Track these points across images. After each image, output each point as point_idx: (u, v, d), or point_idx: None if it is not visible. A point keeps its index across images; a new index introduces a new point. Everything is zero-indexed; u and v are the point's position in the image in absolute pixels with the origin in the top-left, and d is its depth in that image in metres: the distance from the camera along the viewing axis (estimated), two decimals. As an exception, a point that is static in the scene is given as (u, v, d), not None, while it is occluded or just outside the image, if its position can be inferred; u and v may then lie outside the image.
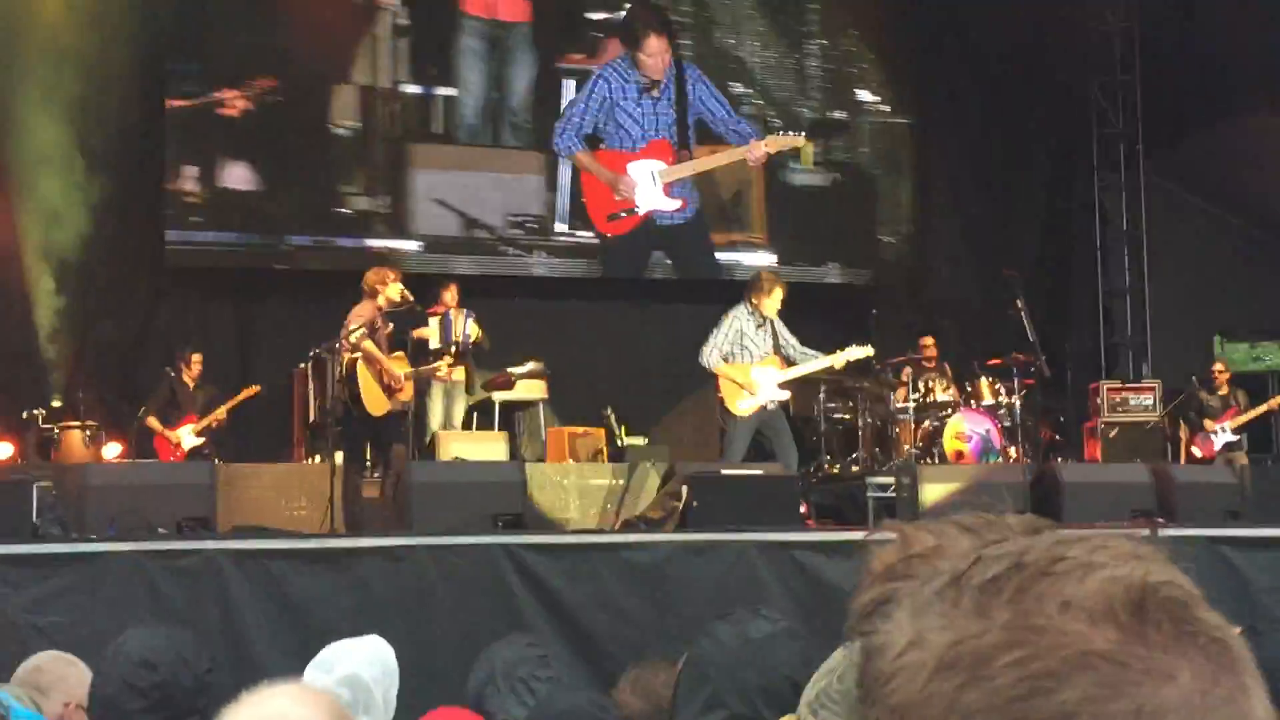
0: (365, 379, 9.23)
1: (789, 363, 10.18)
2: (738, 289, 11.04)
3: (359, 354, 9.30)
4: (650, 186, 13.25)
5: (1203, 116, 14.68)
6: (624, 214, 13.31)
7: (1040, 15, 14.10)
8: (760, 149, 13.08)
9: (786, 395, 10.24)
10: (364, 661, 3.83)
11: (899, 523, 0.85)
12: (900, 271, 14.43)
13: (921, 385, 11.63)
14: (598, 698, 2.96)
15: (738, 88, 14.17)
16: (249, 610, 6.75)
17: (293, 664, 3.89)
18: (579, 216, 13.57)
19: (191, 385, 11.29)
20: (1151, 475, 8.65)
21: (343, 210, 13.09)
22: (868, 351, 10.65)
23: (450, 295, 10.93)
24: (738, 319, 10.08)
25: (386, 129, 13.27)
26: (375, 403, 9.49)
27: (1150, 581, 0.75)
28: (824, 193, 14.23)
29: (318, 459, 10.94)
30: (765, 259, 13.73)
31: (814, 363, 10.25)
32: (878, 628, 0.78)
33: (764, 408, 10.00)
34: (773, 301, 10.08)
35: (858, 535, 7.89)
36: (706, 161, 13.24)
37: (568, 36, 13.88)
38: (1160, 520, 8.21)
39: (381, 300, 9.79)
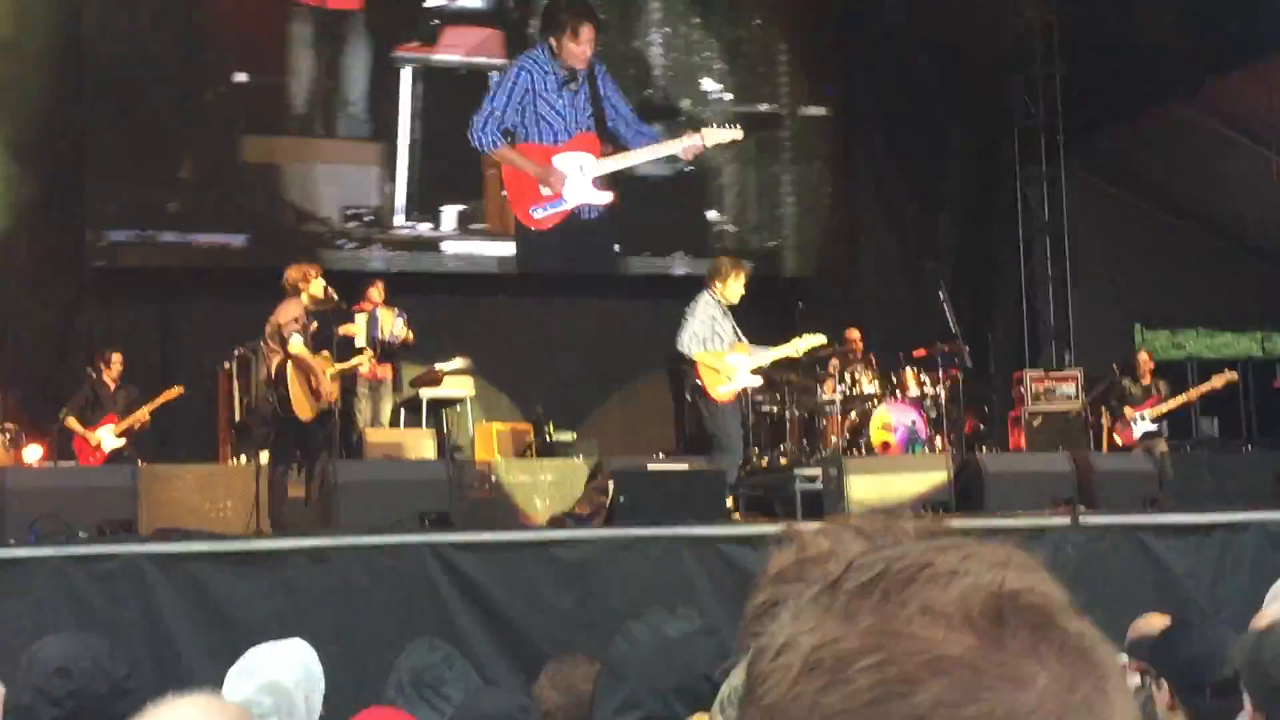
0: (294, 383, 9.15)
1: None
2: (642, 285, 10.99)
3: (287, 357, 9.19)
4: (579, 179, 13.18)
5: (1122, 108, 14.87)
6: (549, 207, 13.23)
7: (962, 8, 14.24)
8: (697, 142, 13.03)
9: (759, 381, 10.29)
10: (285, 667, 3.81)
11: (798, 526, 0.87)
12: (826, 264, 14.51)
13: (848, 377, 11.69)
14: (518, 699, 2.96)
15: (654, 82, 14.19)
16: (173, 614, 6.68)
17: (218, 668, 3.85)
18: (419, 208, 13.27)
19: (112, 385, 11.15)
20: (1073, 464, 8.76)
21: (167, 205, 12.58)
22: (821, 339, 10.66)
23: (376, 292, 10.89)
24: (708, 305, 10.02)
25: (215, 119, 12.76)
26: (303, 407, 9.42)
27: (1010, 589, 0.76)
28: (669, 183, 14.00)
29: (243, 459, 10.85)
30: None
31: (776, 350, 10.19)
32: (765, 629, 0.80)
33: (743, 392, 10.02)
34: (736, 286, 10.04)
35: (781, 527, 7.94)
36: (639, 155, 13.16)
37: (403, 24, 13.53)
38: (1081, 508, 8.32)
39: (305, 298, 9.69)
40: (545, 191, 13.12)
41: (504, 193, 13.35)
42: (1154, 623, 5.02)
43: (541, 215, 13.13)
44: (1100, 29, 14.28)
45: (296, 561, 6.94)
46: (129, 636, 6.48)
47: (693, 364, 9.80)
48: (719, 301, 10.03)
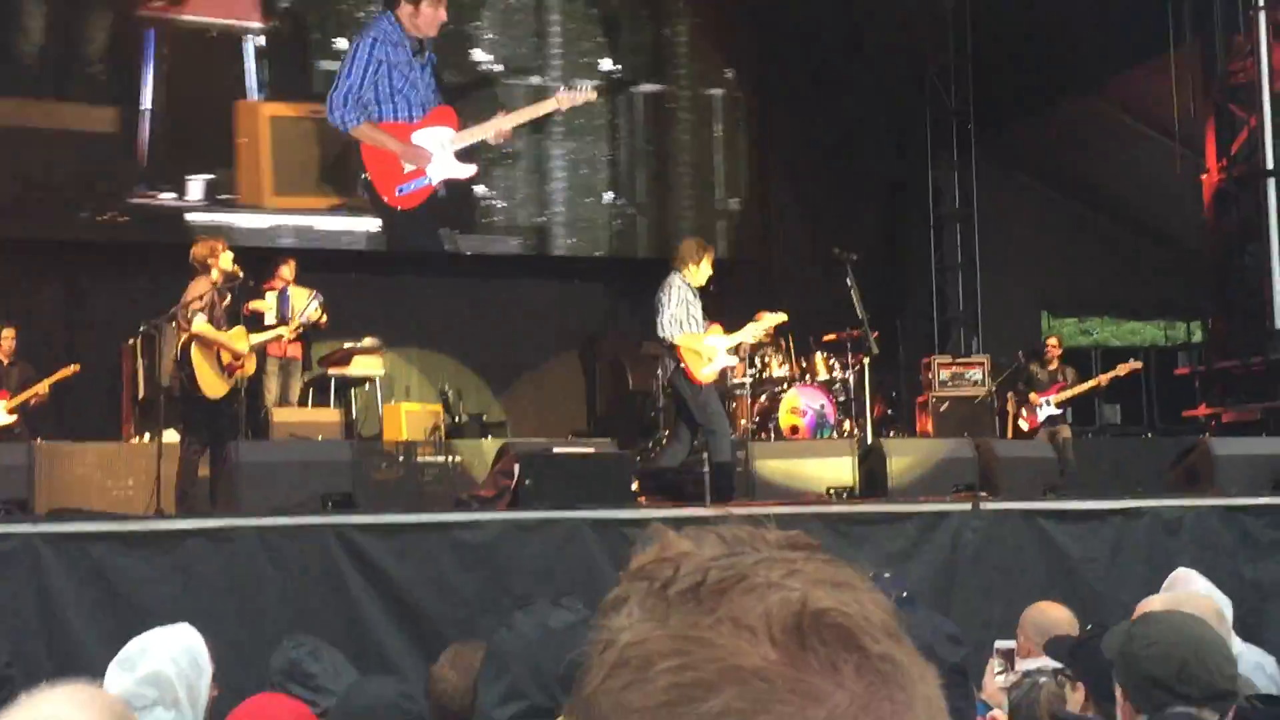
0: (200, 362, 9.04)
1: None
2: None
3: (194, 336, 9.08)
4: (441, 154, 12.98)
5: (1033, 99, 15.07)
6: (414, 185, 13.04)
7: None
8: (552, 107, 12.94)
9: (736, 361, 10.23)
10: (169, 656, 3.77)
11: (662, 526, 0.88)
12: (739, 247, 14.56)
13: (758, 361, 11.75)
14: (402, 686, 2.95)
15: (524, 49, 14.00)
16: (68, 597, 6.57)
17: (114, 652, 3.81)
18: (163, 177, 12.61)
19: (5, 361, 10.93)
20: (975, 450, 8.87)
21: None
22: (781, 317, 10.66)
23: (288, 270, 10.79)
24: (680, 288, 9.82)
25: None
26: (211, 386, 9.32)
27: (817, 607, 0.77)
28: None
29: (146, 438, 10.70)
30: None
31: (745, 331, 10.10)
32: (608, 624, 0.81)
33: (723, 373, 9.98)
34: (705, 268, 9.85)
35: (687, 512, 7.97)
36: (500, 122, 13.01)
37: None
38: (982, 494, 8.43)
39: (215, 274, 9.58)
40: (408, 169, 12.93)
41: (365, 175, 13.04)
42: (1048, 611, 5.11)
43: (406, 193, 12.96)
44: (1012, 21, 14.44)
45: (195, 543, 6.85)
46: (22, 620, 6.38)
47: (673, 348, 9.74)
48: (689, 284, 9.93)
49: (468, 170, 13.10)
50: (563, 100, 12.51)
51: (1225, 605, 4.45)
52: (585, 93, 12.65)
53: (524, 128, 13.38)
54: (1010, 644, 4.73)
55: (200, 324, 9.02)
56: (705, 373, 9.67)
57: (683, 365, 9.72)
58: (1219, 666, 2.71)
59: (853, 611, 0.78)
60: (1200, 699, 2.69)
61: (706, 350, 9.70)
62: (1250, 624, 6.48)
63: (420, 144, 12.87)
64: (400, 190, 12.89)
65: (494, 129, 12.91)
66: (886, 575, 5.60)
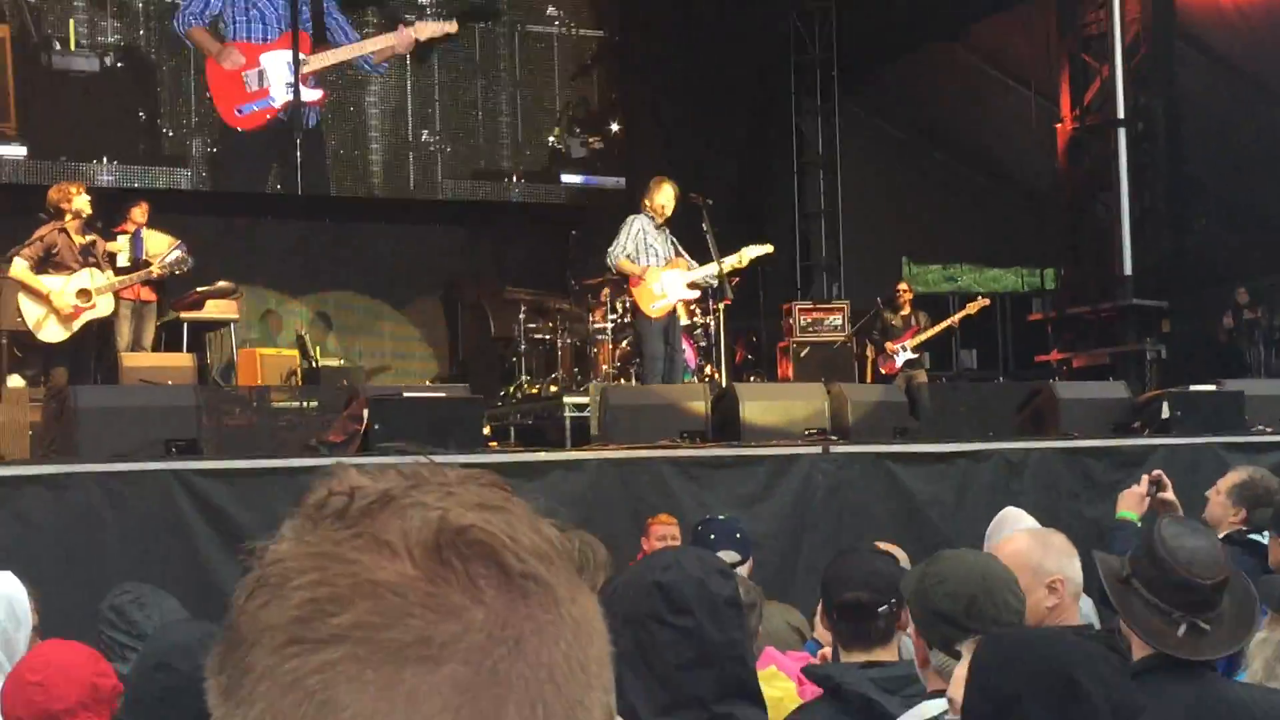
0: (30, 306, 8.83)
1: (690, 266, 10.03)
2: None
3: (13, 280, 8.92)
4: (288, 78, 12.68)
5: (895, 46, 15.20)
6: (255, 106, 12.77)
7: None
8: (409, 35, 12.79)
9: (695, 295, 10.18)
10: (-15, 609, 3.69)
11: (345, 463, 0.86)
12: (604, 192, 14.54)
13: (619, 306, 11.76)
14: (205, 627, 2.92)
15: None
16: (-105, 545, 6.39)
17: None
18: None
19: None
20: (827, 394, 8.98)
21: None
22: (768, 249, 10.65)
23: (140, 213, 10.50)
24: (638, 220, 9.95)
25: None
26: (48, 330, 9.11)
27: (457, 524, 0.76)
28: (95, 80, 12.71)
29: (-9, 384, 10.42)
30: (16, 151, 12.33)
31: (715, 264, 10.02)
32: (263, 551, 0.80)
33: (673, 310, 9.93)
34: (663, 197, 9.92)
35: (541, 455, 7.97)
36: (350, 50, 12.78)
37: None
38: (833, 437, 8.54)
39: (69, 218, 9.46)
40: (251, 90, 12.66)
41: (208, 94, 12.77)
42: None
43: (246, 114, 12.68)
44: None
45: (33, 490, 6.70)
46: None
47: (625, 279, 9.81)
48: (651, 218, 9.91)
49: (314, 94, 12.79)
50: (421, 29, 12.34)
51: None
52: (447, 23, 12.51)
53: (388, 62, 13.18)
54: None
55: (17, 269, 8.88)
56: (654, 307, 9.77)
57: (631, 298, 9.86)
58: (1006, 601, 2.78)
59: (496, 530, 0.77)
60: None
61: (659, 285, 9.76)
62: (1088, 563, 6.67)
63: (266, 65, 12.62)
64: (239, 110, 12.61)
65: (336, 58, 12.68)
66: (721, 517, 5.67)
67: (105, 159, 12.57)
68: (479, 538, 0.77)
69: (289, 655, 0.74)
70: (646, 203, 10.03)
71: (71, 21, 12.46)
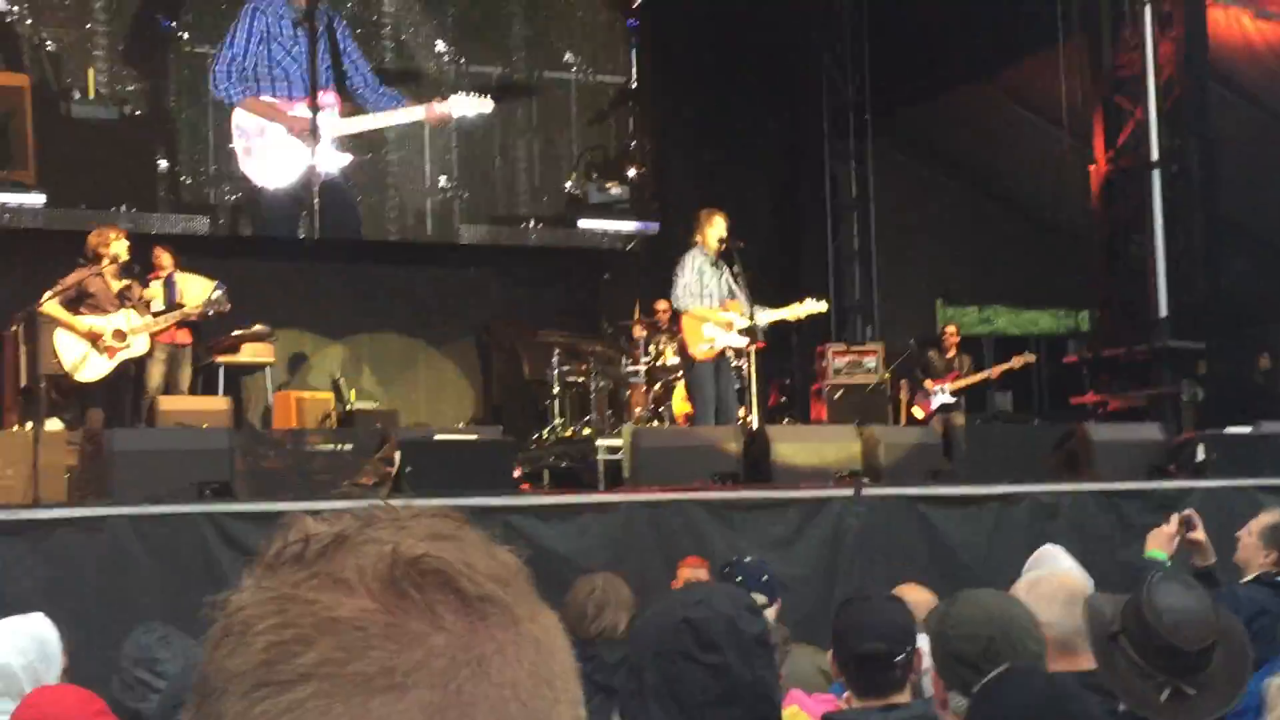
0: (64, 344, 8.94)
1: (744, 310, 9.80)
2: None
3: (47, 317, 9.07)
4: (321, 138, 12.80)
5: (928, 88, 15.21)
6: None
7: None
8: (443, 113, 12.90)
9: (745, 342, 9.90)
10: (16, 648, 3.73)
11: (300, 514, 0.88)
12: (635, 234, 14.58)
13: (652, 349, 11.79)
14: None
15: (439, 44, 13.89)
16: (-67, 586, 6.46)
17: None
18: None
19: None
20: (859, 436, 8.96)
21: None
22: (822, 307, 10.60)
23: (167, 257, 10.62)
24: (695, 258, 9.78)
25: None
26: (86, 369, 9.20)
27: (409, 555, 0.79)
28: (113, 128, 12.77)
29: (29, 426, 10.51)
30: (34, 200, 12.43)
31: (773, 313, 9.99)
32: (226, 603, 0.82)
33: (723, 354, 9.81)
34: (714, 230, 9.76)
35: (573, 498, 7.98)
36: (383, 118, 12.89)
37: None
38: (865, 480, 8.52)
39: (106, 263, 9.63)
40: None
41: (230, 144, 12.89)
42: (908, 593, 5.16)
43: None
44: (907, 9, 14.58)
45: (66, 532, 6.76)
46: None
47: (677, 319, 9.74)
48: (706, 255, 9.79)
49: (342, 159, 12.93)
50: (456, 105, 12.49)
51: (1088, 582, 4.53)
52: (482, 101, 12.63)
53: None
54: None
55: (50, 306, 9.03)
56: (701, 349, 9.71)
57: (680, 339, 9.80)
58: (1024, 645, 2.76)
59: (449, 557, 0.80)
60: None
61: (712, 326, 9.68)
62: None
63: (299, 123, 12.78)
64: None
65: (375, 123, 12.81)
66: (748, 559, 5.65)
67: (124, 206, 12.67)
68: (433, 565, 0.79)
69: (258, 699, 0.75)
70: (699, 239, 9.91)
71: (90, 71, 12.61)
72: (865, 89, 15.25)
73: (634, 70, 14.72)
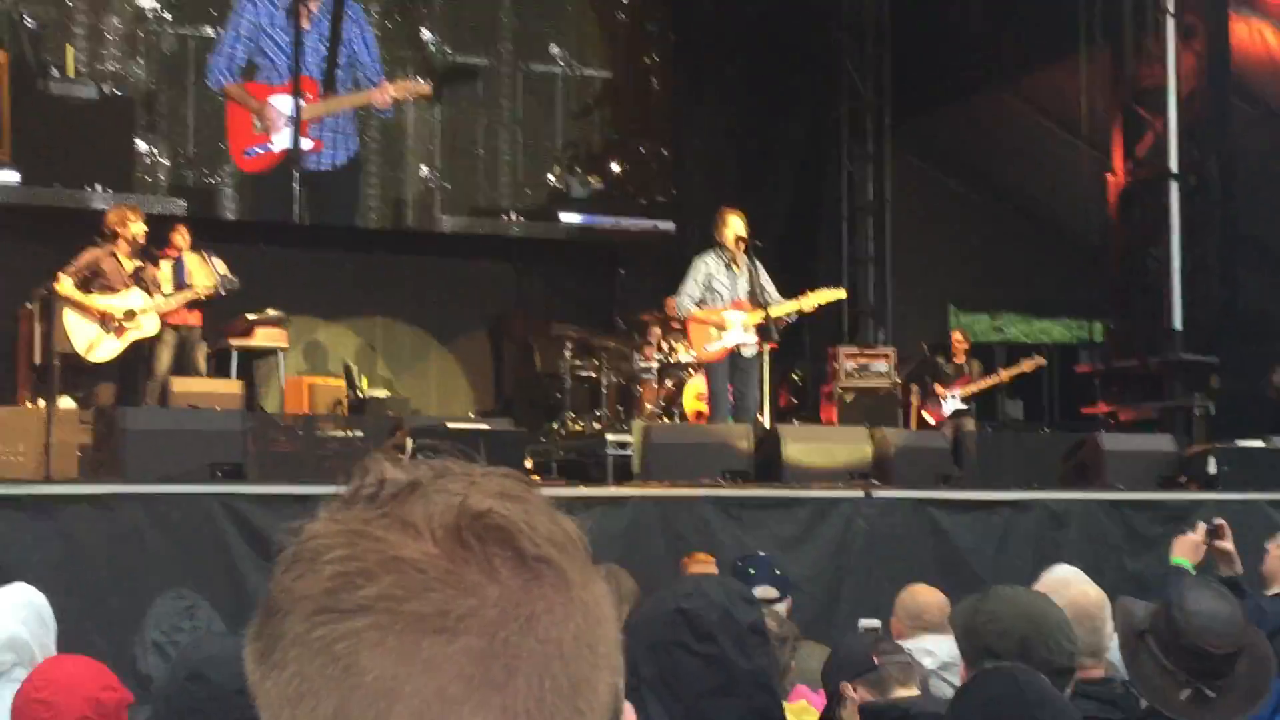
0: (75, 324, 8.98)
1: (760, 307, 9.58)
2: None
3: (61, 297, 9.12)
4: (288, 124, 12.88)
5: (947, 94, 15.20)
6: (259, 149, 12.91)
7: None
8: (388, 92, 13.02)
9: (754, 339, 9.67)
10: (19, 619, 3.74)
11: (379, 455, 0.92)
12: (649, 232, 14.58)
13: (665, 345, 11.78)
14: (241, 642, 2.92)
15: (425, 32, 13.93)
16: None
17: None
18: None
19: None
20: (870, 438, 8.96)
21: None
22: (840, 293, 10.52)
23: (180, 238, 10.61)
24: (704, 261, 9.72)
25: None
26: (99, 350, 9.22)
27: (474, 508, 0.83)
28: (92, 108, 12.71)
29: (41, 403, 10.54)
30: (9, 176, 12.28)
31: (782, 306, 9.83)
32: (299, 531, 0.86)
33: (736, 351, 9.69)
34: (730, 230, 9.63)
35: (582, 491, 7.98)
36: (335, 103, 12.98)
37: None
38: (875, 482, 8.51)
39: (121, 242, 9.67)
40: (257, 131, 12.83)
41: (226, 133, 12.99)
42: (919, 595, 5.17)
43: (251, 157, 12.87)
44: (929, 14, 14.57)
45: (78, 509, 6.78)
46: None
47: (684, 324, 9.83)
48: (720, 255, 9.71)
49: (306, 144, 13.00)
50: (397, 89, 12.63)
51: (1104, 602, 4.52)
52: (419, 84, 12.78)
53: (432, 101, 13.37)
54: (874, 622, 4.77)
55: (64, 285, 9.06)
56: (708, 349, 9.68)
57: (687, 341, 9.81)
58: (1059, 643, 2.76)
59: (514, 516, 0.84)
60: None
61: (720, 326, 9.62)
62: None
63: (274, 108, 12.85)
64: (246, 153, 12.82)
65: (325, 109, 12.90)
66: (761, 554, 5.66)
67: (99, 186, 12.64)
68: (497, 522, 0.83)
69: (319, 623, 0.81)
70: (716, 238, 9.89)
71: (70, 49, 12.59)
72: (886, 93, 15.24)
73: (621, 66, 14.69)
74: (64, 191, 12.42)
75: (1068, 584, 4.61)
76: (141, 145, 12.96)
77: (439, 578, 0.80)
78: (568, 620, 0.83)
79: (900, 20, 14.99)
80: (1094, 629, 3.41)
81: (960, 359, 13.28)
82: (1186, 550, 4.91)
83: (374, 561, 0.81)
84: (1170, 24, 13.09)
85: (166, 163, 13.05)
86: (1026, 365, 13.25)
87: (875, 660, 3.30)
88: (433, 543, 0.81)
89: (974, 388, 13.13)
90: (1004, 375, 13.30)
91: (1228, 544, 4.93)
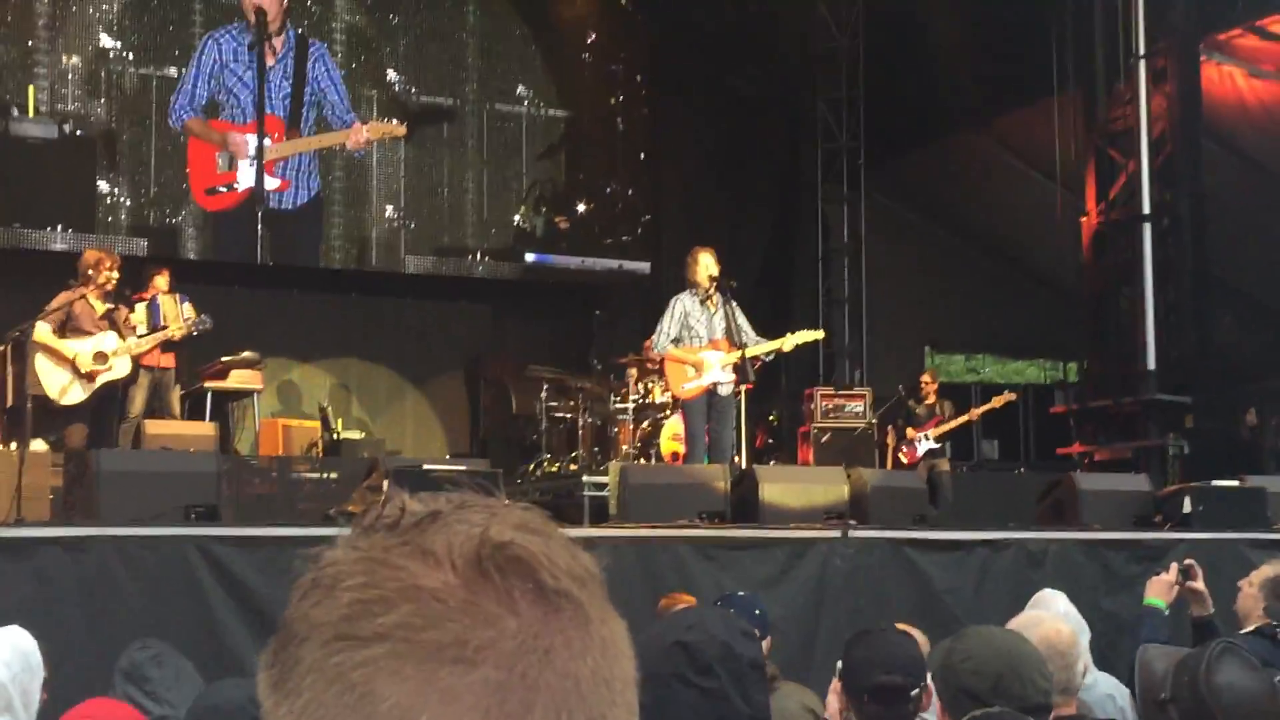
0: (46, 369, 8.96)
1: (737, 347, 9.64)
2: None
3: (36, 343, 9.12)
4: (253, 163, 12.90)
5: (922, 133, 15.31)
6: (223, 189, 12.95)
7: (772, 30, 14.50)
8: (362, 134, 13.08)
9: (730, 379, 9.70)
10: (2, 661, 3.70)
11: (401, 490, 0.91)
12: (625, 272, 14.61)
13: (641, 387, 11.79)
14: (251, 690, 2.90)
15: (390, 73, 14.05)
16: (-88, 602, 6.40)
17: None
18: None
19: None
20: (847, 479, 8.95)
21: None
22: (818, 334, 10.52)
23: (162, 280, 10.60)
24: (680, 301, 9.75)
25: None
26: (70, 394, 9.19)
27: (495, 539, 0.82)
28: (52, 147, 12.73)
29: (14, 445, 10.47)
30: None
31: (761, 346, 9.86)
32: (318, 558, 0.86)
33: (713, 391, 9.69)
34: (702, 269, 9.67)
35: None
36: (304, 143, 13.03)
37: None
38: (851, 522, 8.50)
39: (92, 287, 9.66)
40: (220, 171, 12.86)
41: (187, 170, 12.99)
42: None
43: (214, 195, 12.89)
44: (902, 58, 14.68)
45: (51, 551, 6.71)
46: None
47: (662, 363, 9.80)
48: (694, 294, 9.75)
49: (273, 183, 13.03)
50: (372, 130, 12.69)
51: (1083, 629, 4.53)
52: (394, 126, 12.84)
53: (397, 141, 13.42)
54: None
55: (41, 332, 9.07)
56: (684, 388, 9.69)
57: (663, 381, 9.79)
58: (1033, 680, 2.75)
59: (535, 549, 0.83)
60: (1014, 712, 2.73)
61: (698, 362, 9.63)
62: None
63: (239, 147, 12.88)
64: (208, 191, 12.82)
65: (292, 149, 12.94)
66: (741, 593, 5.64)
67: (60, 226, 12.64)
68: (518, 554, 0.82)
69: (336, 650, 0.80)
70: (689, 277, 9.93)
71: (31, 88, 12.59)
72: (860, 134, 15.32)
73: (586, 107, 14.77)
74: (23, 232, 12.37)
75: (1040, 622, 4.63)
76: (103, 185, 12.97)
77: (458, 608, 0.80)
78: (586, 655, 0.83)
79: (874, 63, 15.10)
80: (1066, 666, 3.40)
81: (931, 399, 13.30)
82: (1160, 590, 4.95)
83: (393, 590, 0.80)
84: (1142, 67, 13.23)
85: (128, 202, 13.05)
86: (996, 402, 13.29)
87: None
88: (453, 572, 0.81)
89: (946, 428, 13.15)
90: (975, 413, 13.33)
91: (1199, 584, 4.96)
